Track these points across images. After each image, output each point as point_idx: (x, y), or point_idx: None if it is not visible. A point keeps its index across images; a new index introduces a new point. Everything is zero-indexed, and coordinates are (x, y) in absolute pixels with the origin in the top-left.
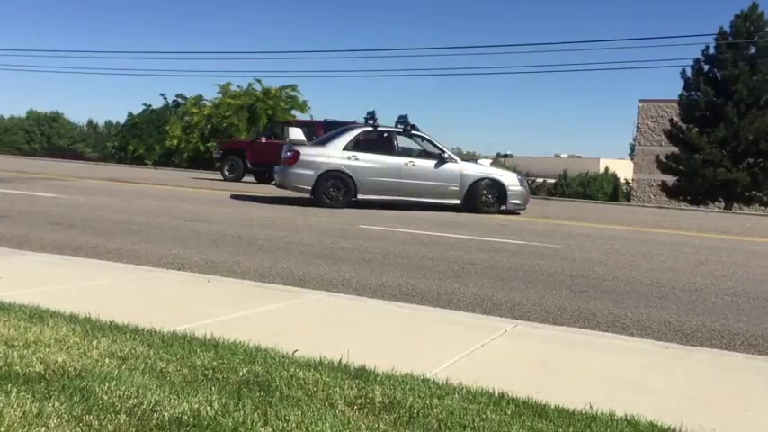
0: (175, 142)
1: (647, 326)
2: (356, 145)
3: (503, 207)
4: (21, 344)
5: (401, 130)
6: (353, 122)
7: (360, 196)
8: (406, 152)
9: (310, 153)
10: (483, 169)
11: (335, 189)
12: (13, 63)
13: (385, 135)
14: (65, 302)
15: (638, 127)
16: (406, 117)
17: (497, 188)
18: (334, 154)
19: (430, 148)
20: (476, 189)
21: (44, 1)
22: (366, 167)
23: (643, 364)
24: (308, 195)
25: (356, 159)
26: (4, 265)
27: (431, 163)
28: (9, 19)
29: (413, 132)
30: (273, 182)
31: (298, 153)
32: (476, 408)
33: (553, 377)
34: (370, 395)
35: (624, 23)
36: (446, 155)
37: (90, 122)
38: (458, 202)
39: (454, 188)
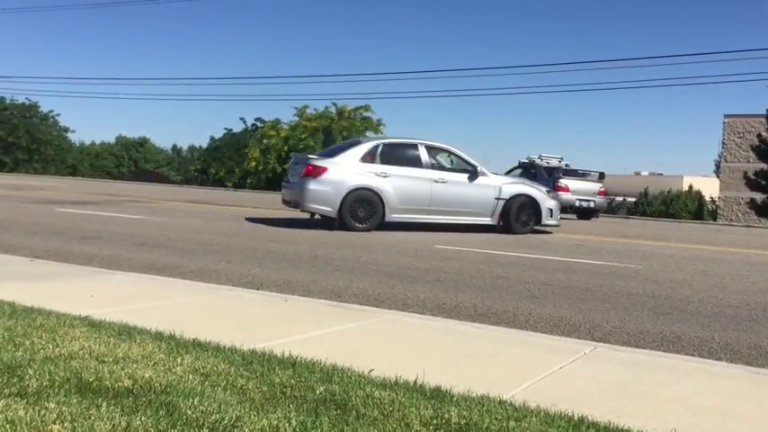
0: (253, 164)
1: (736, 350)
2: (378, 158)
3: (536, 226)
4: (110, 360)
5: (426, 142)
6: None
7: (390, 217)
8: (434, 166)
9: (335, 166)
10: (517, 185)
11: (367, 210)
12: (103, 91)
13: (416, 148)
14: (151, 320)
15: (723, 143)
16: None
17: (532, 205)
18: (360, 169)
19: (457, 162)
20: (510, 207)
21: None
22: (400, 184)
23: (732, 390)
24: (331, 216)
25: (384, 176)
26: (94, 284)
27: (463, 178)
28: (97, 50)
29: (435, 144)
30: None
31: (323, 167)
32: (554, 431)
33: (635, 402)
34: (446, 416)
35: (707, 37)
36: (478, 169)
37: (174, 147)
38: (491, 221)
39: (487, 206)
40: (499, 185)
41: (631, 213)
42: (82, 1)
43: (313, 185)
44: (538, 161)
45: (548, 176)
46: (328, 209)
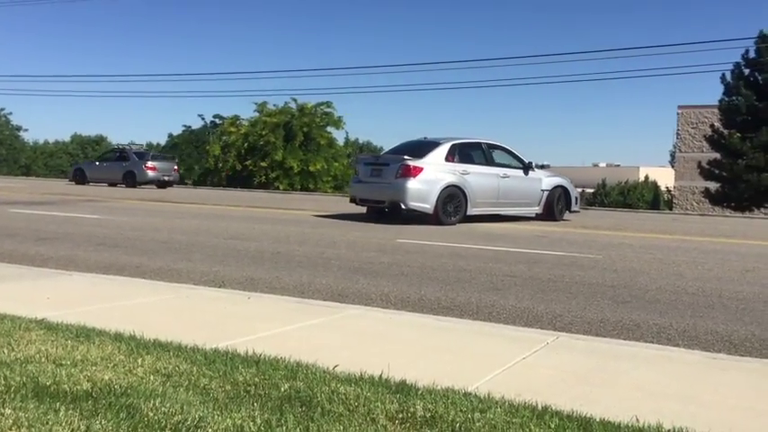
0: (213, 161)
1: (693, 336)
2: (457, 157)
3: (567, 212)
4: (68, 363)
5: (487, 141)
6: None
7: (471, 211)
8: (497, 164)
9: (428, 166)
10: (555, 178)
11: (454, 205)
12: (57, 89)
13: (483, 146)
14: (110, 321)
15: (678, 133)
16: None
17: (565, 195)
18: (446, 168)
19: (510, 159)
20: (552, 197)
21: (81, 27)
22: (477, 180)
23: (690, 376)
24: (427, 213)
25: (466, 173)
26: (51, 285)
27: (519, 173)
28: (51, 46)
29: (493, 143)
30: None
31: (420, 167)
32: (519, 422)
33: (597, 390)
34: (412, 410)
35: (660, 29)
36: (531, 164)
37: (132, 144)
38: (539, 210)
39: (536, 197)
40: (542, 178)
41: (590, 204)
42: None
43: (413, 185)
44: (128, 147)
45: (138, 159)
46: (426, 206)
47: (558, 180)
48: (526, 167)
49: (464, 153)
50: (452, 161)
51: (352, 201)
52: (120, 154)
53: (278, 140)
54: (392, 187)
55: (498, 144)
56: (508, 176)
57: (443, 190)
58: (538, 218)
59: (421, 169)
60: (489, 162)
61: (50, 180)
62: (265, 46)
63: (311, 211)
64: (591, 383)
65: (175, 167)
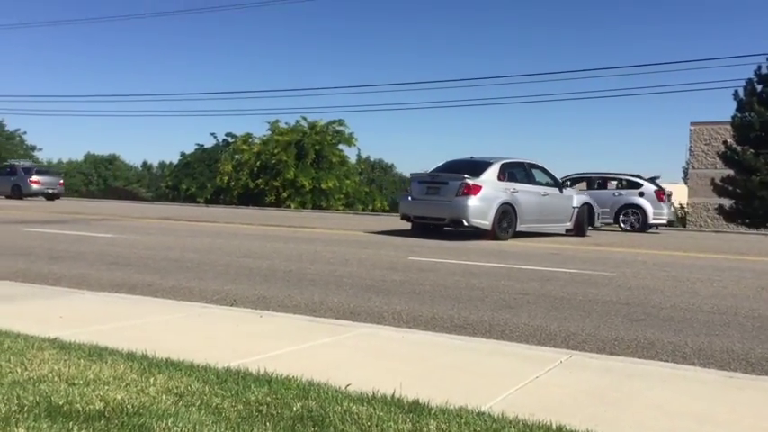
0: (226, 180)
1: (709, 355)
2: (506, 176)
3: (590, 227)
4: (81, 382)
5: (528, 161)
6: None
7: (520, 227)
8: (538, 182)
9: (485, 185)
10: (582, 195)
11: (508, 221)
12: (70, 109)
13: (525, 166)
14: (122, 340)
15: (690, 150)
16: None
17: (590, 211)
18: (499, 186)
19: (546, 178)
20: (581, 214)
21: (94, 48)
22: (525, 198)
23: (706, 395)
24: (485, 229)
25: (515, 191)
26: (63, 304)
27: (555, 191)
28: (65, 67)
29: (532, 162)
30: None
31: (479, 186)
32: None
33: (612, 409)
34: (425, 429)
35: (673, 46)
36: (565, 183)
37: (144, 163)
38: (570, 226)
39: (568, 214)
40: (573, 195)
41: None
42: (48, 18)
43: (473, 202)
44: (17, 164)
45: (24, 174)
46: (485, 223)
47: (584, 197)
48: (560, 185)
49: (511, 172)
50: (503, 180)
51: (404, 218)
52: (11, 169)
53: (290, 159)
54: (453, 205)
55: (537, 163)
56: (548, 194)
57: (499, 207)
58: (567, 233)
59: (480, 188)
60: (531, 180)
61: (64, 199)
62: (277, 64)
63: (322, 229)
64: (605, 403)
65: (61, 182)
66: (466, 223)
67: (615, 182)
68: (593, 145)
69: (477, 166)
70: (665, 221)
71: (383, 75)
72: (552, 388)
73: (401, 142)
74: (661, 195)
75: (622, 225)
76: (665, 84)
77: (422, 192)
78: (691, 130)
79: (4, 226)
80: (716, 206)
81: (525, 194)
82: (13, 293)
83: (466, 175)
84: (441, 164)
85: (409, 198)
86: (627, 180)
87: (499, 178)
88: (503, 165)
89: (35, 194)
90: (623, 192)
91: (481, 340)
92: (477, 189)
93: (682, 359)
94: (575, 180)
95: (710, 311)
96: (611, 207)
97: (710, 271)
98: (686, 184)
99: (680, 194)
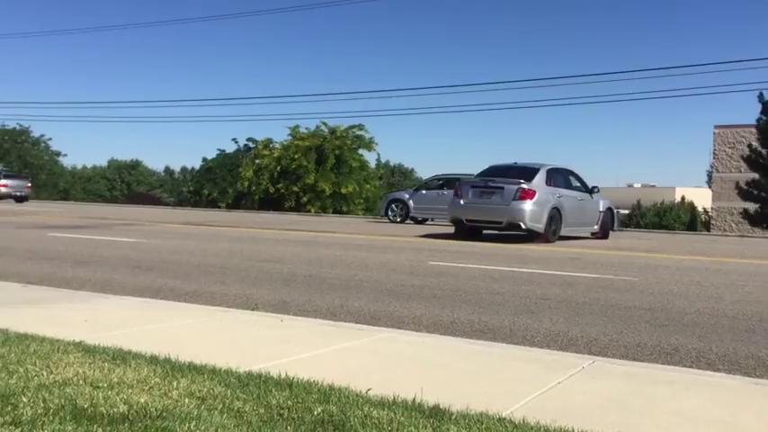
0: (246, 184)
1: (734, 361)
2: (552, 182)
3: (611, 231)
4: (105, 385)
5: (566, 167)
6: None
7: (563, 231)
8: (574, 187)
9: (538, 190)
10: (606, 200)
11: (555, 225)
12: (94, 115)
13: (563, 172)
14: (146, 344)
15: (714, 153)
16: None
17: (612, 215)
18: (547, 191)
19: (578, 183)
20: (606, 217)
21: (118, 54)
22: (567, 203)
23: (731, 402)
24: (538, 232)
25: (560, 196)
26: (88, 308)
27: (587, 196)
28: (88, 74)
29: (568, 169)
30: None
31: (534, 191)
32: None
33: (635, 416)
34: None
35: (696, 48)
36: (594, 188)
37: (167, 169)
38: (596, 229)
39: (596, 218)
40: (599, 200)
41: (625, 226)
42: (72, 26)
43: (529, 206)
44: None
45: None
46: (539, 226)
47: (608, 202)
48: (591, 191)
49: (555, 177)
50: (550, 185)
51: (455, 222)
52: None
53: (310, 164)
54: (511, 209)
55: (571, 169)
56: (583, 199)
57: (549, 211)
58: (593, 236)
59: (535, 192)
60: (569, 186)
61: (88, 204)
62: (298, 70)
63: (342, 233)
64: (628, 409)
65: (29, 185)
66: (523, 226)
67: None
68: (614, 149)
69: (526, 172)
70: None
71: (404, 79)
72: (574, 394)
73: (421, 147)
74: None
75: None
76: (689, 87)
77: (475, 196)
78: (715, 134)
79: (30, 231)
80: (740, 210)
81: (567, 199)
82: (40, 297)
83: (522, 181)
84: (485, 168)
85: (461, 202)
86: None
87: (547, 183)
88: (548, 170)
89: (4, 197)
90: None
91: (502, 345)
92: (532, 194)
93: (706, 365)
94: (446, 181)
95: (735, 317)
96: None
97: (735, 276)
98: (710, 187)
99: (704, 198)
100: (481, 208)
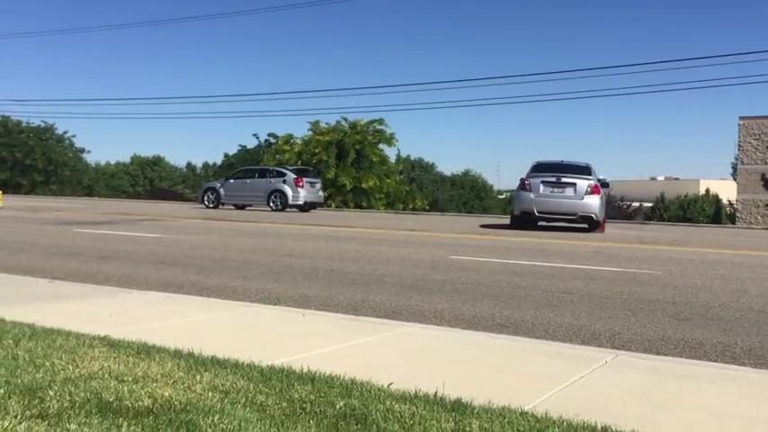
0: None
1: (759, 355)
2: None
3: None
4: (130, 379)
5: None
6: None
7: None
8: (601, 182)
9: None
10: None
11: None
12: (116, 111)
13: (592, 169)
14: (169, 338)
15: (739, 145)
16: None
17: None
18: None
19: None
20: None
21: (139, 51)
22: (604, 197)
23: (757, 396)
24: (598, 222)
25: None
26: (112, 303)
27: (607, 190)
28: (111, 71)
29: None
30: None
31: (598, 186)
32: None
33: (659, 410)
34: (468, 429)
35: (721, 40)
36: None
37: (189, 164)
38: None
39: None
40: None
41: (648, 219)
42: (94, 23)
43: (597, 201)
44: None
45: None
46: (602, 218)
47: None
48: (605, 185)
49: (595, 174)
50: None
51: (524, 214)
52: None
53: (330, 159)
54: (583, 203)
55: (589, 165)
56: (607, 193)
57: (605, 204)
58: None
59: (599, 188)
60: (601, 182)
61: (111, 200)
62: (318, 65)
63: (362, 228)
64: (652, 403)
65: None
66: (594, 218)
67: (268, 172)
68: (636, 141)
69: (581, 169)
70: (301, 202)
71: (424, 73)
72: (597, 388)
73: (441, 141)
74: (298, 182)
75: (272, 205)
76: (714, 77)
77: (546, 190)
78: (739, 125)
79: (56, 227)
80: (767, 202)
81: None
82: (66, 292)
83: (589, 177)
84: (534, 164)
85: (531, 195)
86: (276, 170)
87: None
88: (593, 168)
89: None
90: (272, 180)
91: (524, 339)
92: (598, 189)
93: (731, 360)
94: (249, 171)
95: (761, 311)
96: (263, 191)
97: (761, 269)
98: (735, 180)
99: (729, 191)
100: (553, 201)
